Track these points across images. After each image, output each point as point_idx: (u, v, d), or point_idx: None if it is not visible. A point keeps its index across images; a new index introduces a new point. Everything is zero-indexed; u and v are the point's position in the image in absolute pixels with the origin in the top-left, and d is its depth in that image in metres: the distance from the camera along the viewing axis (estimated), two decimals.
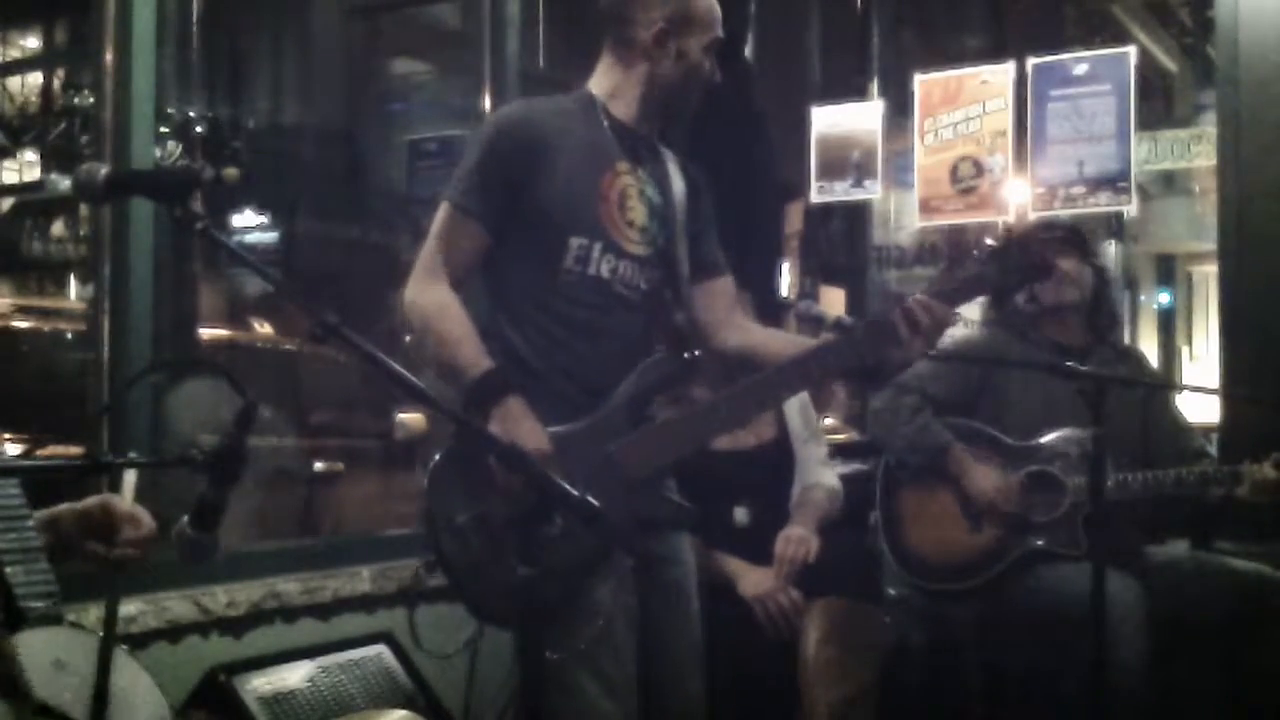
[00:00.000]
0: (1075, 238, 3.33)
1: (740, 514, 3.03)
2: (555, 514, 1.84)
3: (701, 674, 2.41)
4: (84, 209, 5.41)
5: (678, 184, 2.41)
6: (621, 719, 2.19)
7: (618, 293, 2.29)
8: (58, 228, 7.02)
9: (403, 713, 2.52)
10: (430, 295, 2.24)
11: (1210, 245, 5.05)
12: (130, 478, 1.92)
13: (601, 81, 2.39)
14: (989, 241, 2.39)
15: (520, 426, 2.13)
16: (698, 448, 2.36)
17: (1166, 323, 12.72)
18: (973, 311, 3.73)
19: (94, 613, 2.29)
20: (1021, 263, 2.28)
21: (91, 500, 1.91)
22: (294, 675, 2.70)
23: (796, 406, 3.22)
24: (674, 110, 2.43)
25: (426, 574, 3.08)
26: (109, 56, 2.81)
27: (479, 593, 2.22)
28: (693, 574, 2.42)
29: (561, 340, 2.26)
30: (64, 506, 1.93)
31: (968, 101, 3.99)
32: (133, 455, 1.90)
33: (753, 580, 2.93)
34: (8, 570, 1.79)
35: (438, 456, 2.26)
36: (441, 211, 2.29)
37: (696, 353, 2.39)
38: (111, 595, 1.78)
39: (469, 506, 2.17)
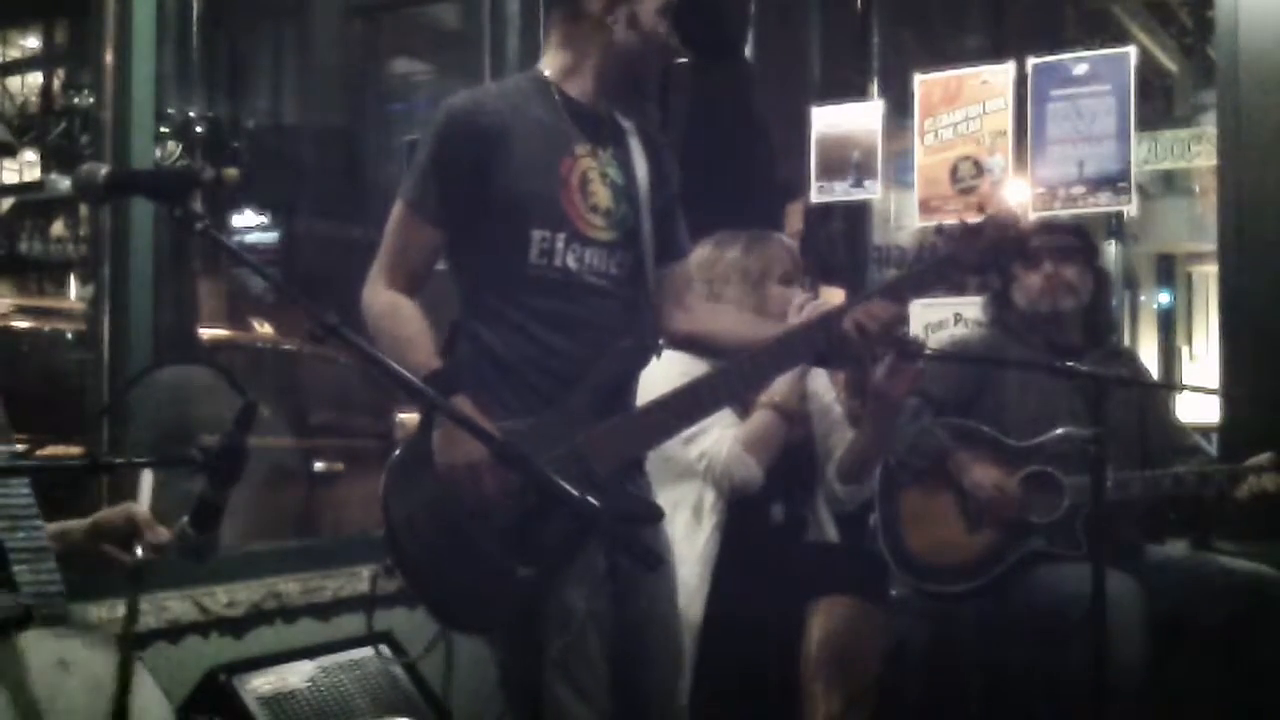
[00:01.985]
0: (1081, 242, 3.31)
1: (776, 511, 2.94)
2: (545, 516, 1.79)
3: (685, 676, 2.37)
4: (84, 209, 5.41)
5: (640, 161, 2.31)
6: None
7: (588, 283, 2.21)
8: (58, 228, 7.01)
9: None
10: (383, 296, 2.19)
11: (1210, 245, 5.04)
12: (147, 479, 1.92)
13: (553, 61, 2.28)
14: (959, 220, 2.36)
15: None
16: (666, 440, 2.33)
17: (1166, 323, 12.69)
18: (972, 312, 3.74)
19: (94, 612, 2.29)
20: (995, 237, 2.23)
21: (115, 510, 1.93)
22: (294, 675, 2.70)
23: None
24: (633, 83, 2.32)
25: (386, 577, 3.07)
26: (109, 56, 2.81)
27: (441, 596, 2.18)
28: (673, 573, 2.37)
29: (534, 335, 2.19)
30: (72, 523, 1.94)
31: (968, 101, 3.99)
32: (117, 448, 1.90)
33: None
34: (15, 569, 1.79)
35: (396, 453, 2.21)
36: (395, 210, 2.22)
37: (661, 340, 2.33)
38: (131, 601, 1.78)
39: (430, 506, 2.12)
